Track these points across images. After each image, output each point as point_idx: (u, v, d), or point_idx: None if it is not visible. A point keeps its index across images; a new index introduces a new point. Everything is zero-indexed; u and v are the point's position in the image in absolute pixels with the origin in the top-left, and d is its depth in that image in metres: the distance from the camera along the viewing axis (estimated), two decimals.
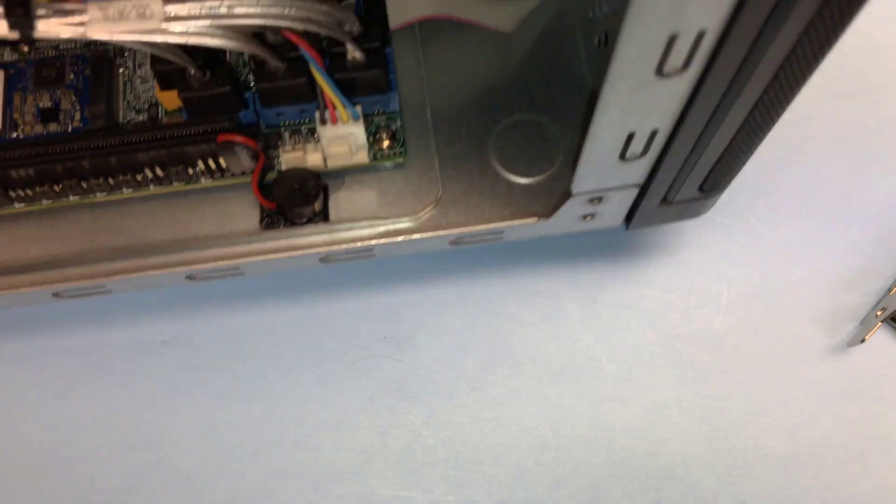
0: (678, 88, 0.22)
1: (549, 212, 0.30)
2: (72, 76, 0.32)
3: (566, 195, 0.29)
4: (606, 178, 0.28)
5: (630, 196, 0.29)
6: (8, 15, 0.24)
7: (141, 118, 0.32)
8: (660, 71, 0.21)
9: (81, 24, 0.25)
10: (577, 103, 0.33)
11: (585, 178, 0.27)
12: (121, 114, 0.32)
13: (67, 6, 0.24)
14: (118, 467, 0.35)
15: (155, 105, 0.32)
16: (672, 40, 0.19)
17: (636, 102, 0.22)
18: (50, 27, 0.24)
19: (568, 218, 0.30)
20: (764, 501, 0.36)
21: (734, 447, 0.36)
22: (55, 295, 0.32)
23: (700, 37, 0.19)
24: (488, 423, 0.37)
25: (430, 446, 0.36)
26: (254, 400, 0.37)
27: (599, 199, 0.29)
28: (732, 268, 0.39)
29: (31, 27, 0.24)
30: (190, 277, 0.32)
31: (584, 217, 0.31)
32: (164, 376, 0.37)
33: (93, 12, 0.24)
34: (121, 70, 0.33)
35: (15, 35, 0.24)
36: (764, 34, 0.20)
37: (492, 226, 0.31)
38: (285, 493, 0.36)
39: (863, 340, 0.37)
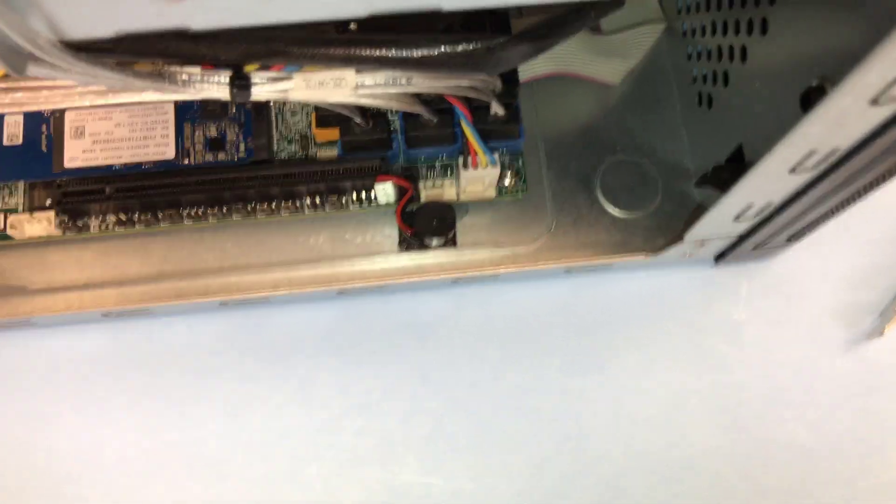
0: (801, 179, 0.27)
1: (656, 249, 0.35)
2: (234, 110, 0.36)
3: (677, 238, 0.34)
4: (716, 230, 0.33)
5: (729, 242, 0.34)
6: (232, 85, 0.28)
7: (293, 148, 0.37)
8: (792, 170, 0.25)
9: (285, 90, 0.29)
10: (672, 148, 0.38)
11: (699, 230, 0.32)
12: (275, 143, 0.37)
13: (277, 75, 0.29)
14: (144, 449, 0.37)
15: (305, 137, 0.37)
16: (811, 153, 0.24)
17: (765, 187, 0.27)
18: (261, 92, 0.29)
19: (671, 255, 0.35)
20: (783, 493, 0.37)
21: (754, 438, 0.37)
22: (223, 304, 0.36)
23: (833, 152, 0.24)
24: (510, 413, 0.38)
25: (451, 434, 0.37)
26: (277, 385, 0.38)
27: (702, 244, 0.34)
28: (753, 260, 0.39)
29: (248, 94, 0.28)
30: (342, 292, 0.37)
31: (684, 255, 0.36)
32: (191, 361, 0.38)
33: (297, 81, 0.29)
34: (271, 103, 0.37)
35: (231, 98, 0.29)
36: (879, 154, 0.25)
37: (604, 259, 0.36)
38: (308, 477, 0.37)
39: (882, 333, 0.38)
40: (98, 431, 0.37)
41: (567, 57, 0.37)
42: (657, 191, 0.37)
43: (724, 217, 0.30)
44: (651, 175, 0.37)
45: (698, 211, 0.32)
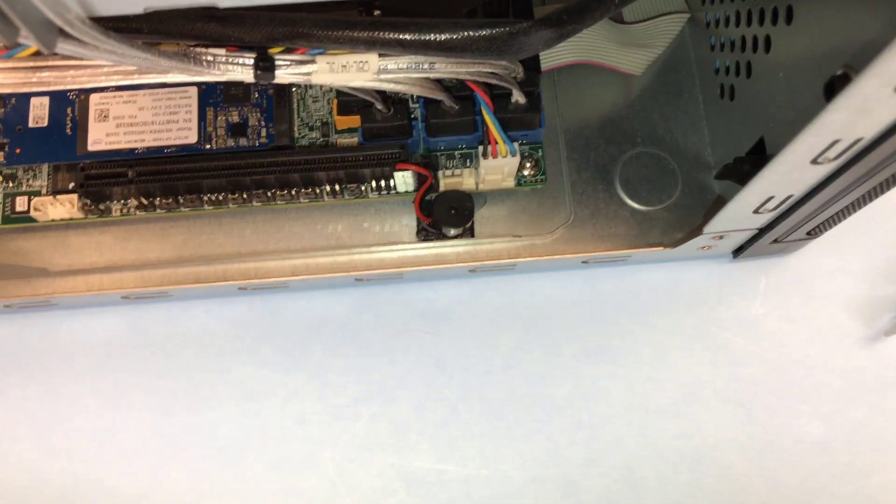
0: (823, 171, 0.27)
1: (674, 242, 0.35)
2: (256, 95, 0.37)
3: (696, 231, 0.34)
4: (735, 224, 0.32)
5: (748, 235, 0.34)
6: (256, 67, 0.28)
7: (314, 135, 0.37)
8: (815, 161, 0.25)
9: (308, 73, 0.29)
10: (693, 141, 0.38)
11: (718, 223, 0.32)
12: (296, 130, 0.37)
13: (301, 58, 0.29)
14: (162, 432, 0.37)
15: (326, 124, 0.37)
16: (834, 143, 0.24)
17: (786, 178, 0.27)
18: (284, 75, 0.29)
19: (689, 248, 0.35)
20: (797, 486, 0.36)
21: (768, 431, 0.37)
22: (241, 289, 0.37)
23: (856, 141, 0.24)
24: (523, 400, 0.38)
25: (465, 421, 0.38)
26: (293, 370, 0.38)
27: (721, 237, 0.34)
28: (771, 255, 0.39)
29: (272, 76, 0.28)
30: (358, 280, 0.37)
31: (702, 248, 0.36)
32: (208, 345, 0.39)
33: (321, 64, 0.29)
34: (293, 89, 0.37)
35: (255, 81, 0.29)
36: None
37: (621, 251, 0.36)
38: (322, 462, 0.37)
39: None
40: (116, 412, 0.37)
41: (589, 46, 0.37)
42: (677, 183, 0.37)
43: (743, 210, 0.30)
44: (671, 167, 0.37)
45: (718, 204, 0.32)
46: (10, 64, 0.27)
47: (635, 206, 0.37)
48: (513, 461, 0.37)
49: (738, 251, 0.37)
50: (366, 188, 0.36)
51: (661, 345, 0.38)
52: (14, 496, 0.37)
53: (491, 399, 0.38)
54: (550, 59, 0.36)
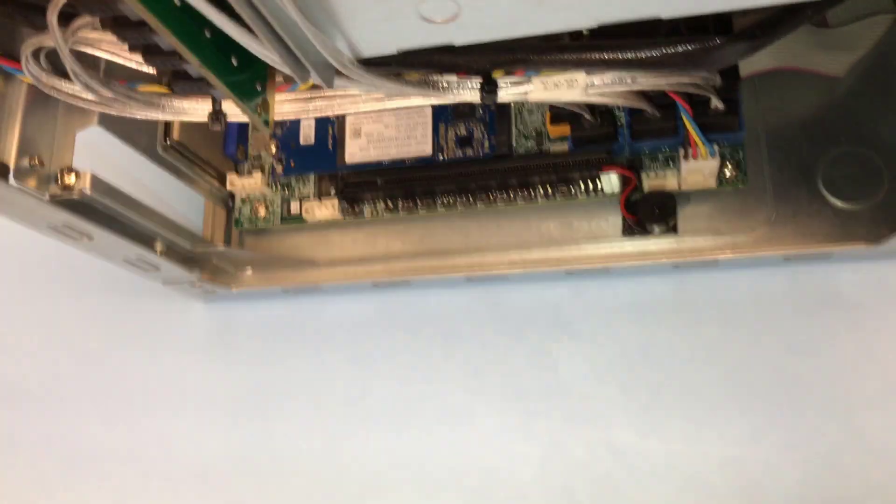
0: None
1: (878, 239, 0.36)
2: (480, 111, 0.42)
3: None
4: None
5: None
6: (482, 90, 0.33)
7: (529, 143, 0.42)
8: None
9: (525, 92, 0.34)
10: None
11: None
12: (514, 139, 0.42)
13: (519, 79, 0.34)
14: (402, 398, 0.44)
15: (540, 133, 0.42)
16: None
17: None
18: (505, 95, 0.34)
19: (893, 246, 0.36)
20: None
21: None
22: (468, 279, 0.43)
23: None
24: (722, 389, 0.40)
25: (667, 404, 0.40)
26: (512, 351, 0.43)
27: None
28: None
29: (495, 97, 0.34)
30: (569, 272, 0.41)
31: None
32: (440, 326, 0.45)
33: (536, 84, 0.34)
34: (512, 104, 0.43)
35: (481, 101, 0.34)
36: None
37: (824, 248, 0.37)
38: (538, 432, 0.41)
39: None
40: (366, 380, 0.45)
41: (789, 51, 0.39)
42: (883, 181, 0.38)
43: None
44: (876, 165, 0.38)
45: None
46: (291, 96, 0.34)
47: (839, 204, 0.38)
48: (713, 441, 0.39)
49: None
50: (575, 189, 0.40)
51: (865, 339, 0.39)
52: (283, 441, 0.45)
53: (693, 385, 0.40)
54: (750, 65, 0.39)
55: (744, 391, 0.40)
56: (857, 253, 0.38)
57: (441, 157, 0.42)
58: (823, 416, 0.39)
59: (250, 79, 0.29)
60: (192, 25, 0.26)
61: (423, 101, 0.34)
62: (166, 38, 0.25)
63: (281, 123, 0.45)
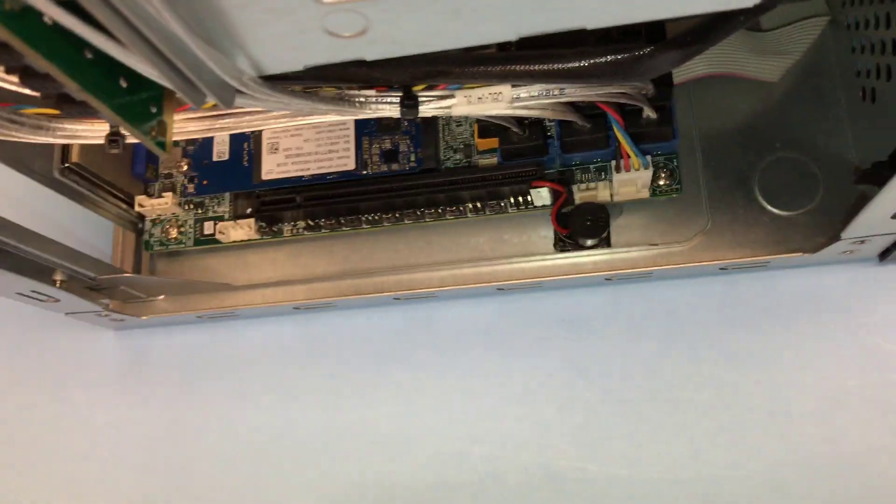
0: None
1: (814, 248, 0.35)
2: (405, 124, 0.40)
3: (835, 238, 0.33)
4: (874, 229, 0.32)
5: (892, 240, 0.33)
6: (402, 105, 0.31)
7: (458, 156, 0.40)
8: None
9: (448, 106, 0.32)
10: (835, 144, 0.37)
11: (857, 228, 0.32)
12: (441, 152, 0.40)
13: (441, 93, 0.32)
14: (329, 427, 0.42)
15: (468, 145, 0.40)
16: None
17: None
18: (427, 109, 0.32)
19: (831, 253, 0.35)
20: None
21: None
22: (396, 298, 0.40)
23: None
24: (663, 404, 0.39)
25: (606, 423, 0.39)
26: (444, 373, 0.41)
27: (862, 241, 0.34)
28: None
29: (416, 112, 0.32)
30: (500, 289, 0.39)
31: (844, 252, 0.35)
32: (368, 350, 0.42)
33: (459, 98, 0.32)
34: (438, 117, 0.40)
35: (401, 117, 0.32)
36: None
37: (759, 258, 0.36)
38: (472, 459, 0.40)
39: None
40: (289, 410, 0.42)
41: (724, 57, 0.38)
42: (818, 188, 0.37)
43: (881, 215, 0.30)
44: (812, 172, 0.37)
45: (856, 208, 0.31)
46: (196, 114, 0.32)
47: (775, 211, 0.37)
48: (654, 463, 0.38)
49: (885, 254, 0.36)
50: (505, 204, 0.39)
51: (806, 350, 0.38)
52: (203, 482, 0.42)
53: (632, 402, 0.39)
54: (683, 72, 0.37)
55: (683, 407, 0.39)
56: (794, 261, 0.37)
57: (365, 172, 0.40)
58: (765, 432, 0.38)
59: (143, 101, 0.27)
60: (67, 46, 0.23)
61: (341, 117, 0.31)
62: (36, 62, 0.22)
63: (192, 139, 0.42)
